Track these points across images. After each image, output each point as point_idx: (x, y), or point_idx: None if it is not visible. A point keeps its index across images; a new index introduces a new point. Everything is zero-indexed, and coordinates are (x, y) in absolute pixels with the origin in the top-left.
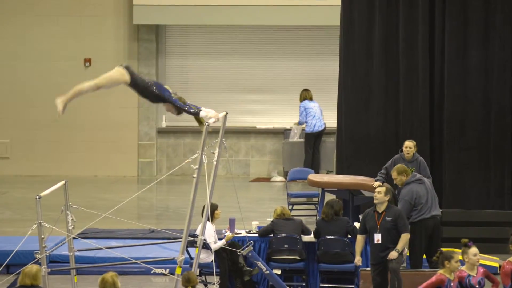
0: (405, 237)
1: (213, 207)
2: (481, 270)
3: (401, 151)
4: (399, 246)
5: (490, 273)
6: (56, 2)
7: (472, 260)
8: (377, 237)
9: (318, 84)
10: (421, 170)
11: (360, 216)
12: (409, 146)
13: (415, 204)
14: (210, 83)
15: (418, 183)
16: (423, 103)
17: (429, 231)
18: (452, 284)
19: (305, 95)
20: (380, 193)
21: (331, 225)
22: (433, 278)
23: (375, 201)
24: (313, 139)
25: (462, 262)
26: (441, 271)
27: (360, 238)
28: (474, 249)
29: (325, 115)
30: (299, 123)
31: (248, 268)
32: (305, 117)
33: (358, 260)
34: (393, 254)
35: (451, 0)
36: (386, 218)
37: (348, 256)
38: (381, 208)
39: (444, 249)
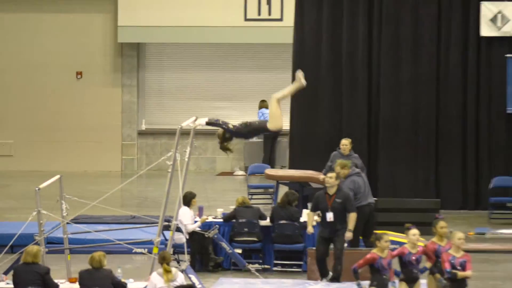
0: (353, 216)
1: (192, 196)
2: (421, 249)
3: (339, 148)
4: (350, 225)
5: (426, 251)
6: (55, 22)
7: (412, 239)
8: (329, 216)
9: (273, 92)
10: (353, 163)
11: (309, 204)
12: (345, 143)
13: (356, 193)
14: (183, 92)
15: (358, 175)
16: (362, 109)
17: (366, 216)
18: (383, 261)
19: (262, 105)
20: (331, 178)
21: (285, 211)
22: (367, 256)
23: (327, 185)
24: (270, 139)
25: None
26: (374, 250)
27: (310, 214)
28: (414, 231)
29: None
30: None
31: (214, 256)
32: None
33: (310, 229)
34: (348, 236)
35: (387, 21)
36: (336, 199)
37: (298, 238)
38: (331, 191)
39: (378, 232)
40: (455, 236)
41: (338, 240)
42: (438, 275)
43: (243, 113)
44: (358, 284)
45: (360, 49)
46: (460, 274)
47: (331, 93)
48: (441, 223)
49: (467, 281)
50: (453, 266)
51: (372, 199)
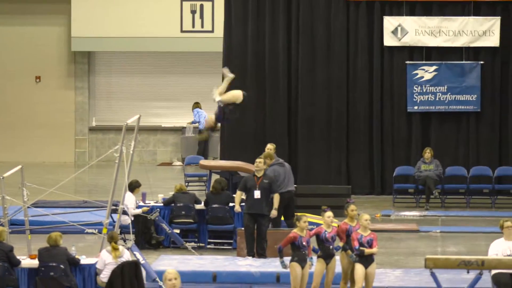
0: (277, 196)
1: (137, 185)
2: (334, 229)
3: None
4: (275, 204)
5: (339, 231)
6: (18, 35)
7: (327, 220)
8: (257, 194)
9: (206, 95)
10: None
11: (238, 191)
12: (270, 148)
13: (276, 181)
14: (128, 94)
15: (279, 165)
16: (283, 108)
17: (285, 201)
18: (302, 239)
19: (196, 106)
20: (260, 163)
21: (217, 197)
22: (289, 235)
23: (255, 169)
24: None
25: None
26: (295, 230)
27: (239, 193)
28: (329, 213)
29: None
30: (193, 123)
31: (156, 236)
32: (198, 118)
33: (237, 208)
34: (273, 213)
35: (303, 32)
36: (264, 180)
37: (228, 219)
38: (259, 174)
39: (299, 214)
40: (362, 217)
41: (263, 221)
42: (349, 252)
43: (179, 111)
44: (282, 262)
45: (281, 57)
46: (367, 251)
47: (256, 94)
48: (352, 207)
49: (373, 257)
50: (361, 244)
51: (292, 187)
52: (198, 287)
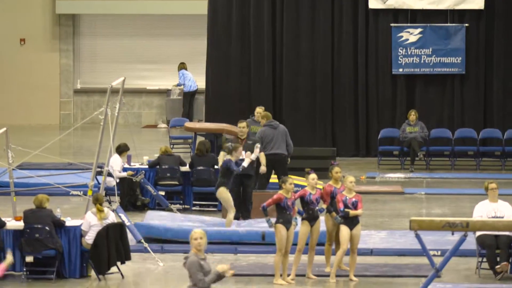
0: (262, 155)
1: (126, 148)
2: (319, 191)
3: (253, 115)
4: (262, 162)
5: (323, 193)
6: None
7: (311, 183)
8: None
9: (192, 57)
10: None
11: (221, 151)
12: (259, 111)
13: (262, 142)
14: (112, 57)
15: (270, 127)
16: (268, 75)
17: (272, 163)
18: (288, 201)
19: (182, 66)
20: (244, 128)
21: (202, 159)
22: (275, 196)
23: (239, 134)
24: (188, 97)
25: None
26: (280, 191)
27: (222, 154)
28: (313, 175)
29: (196, 79)
30: (178, 85)
31: (141, 197)
32: (183, 80)
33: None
34: (262, 169)
35: (287, 1)
36: (248, 141)
37: (213, 182)
38: (243, 137)
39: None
40: (347, 179)
41: (248, 182)
42: (334, 214)
43: (163, 74)
44: (268, 220)
45: (265, 20)
46: (352, 212)
47: (241, 58)
48: (336, 169)
49: (359, 219)
50: (346, 206)
51: (280, 150)
52: (183, 246)
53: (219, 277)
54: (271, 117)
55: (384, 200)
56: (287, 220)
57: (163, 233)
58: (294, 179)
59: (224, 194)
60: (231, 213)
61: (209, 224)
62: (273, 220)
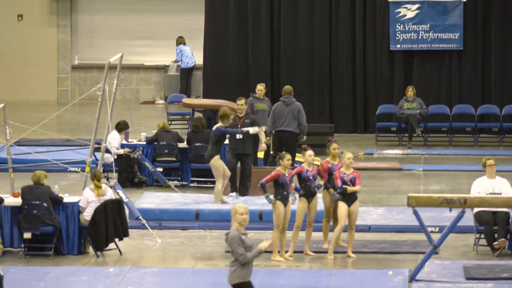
0: (262, 133)
1: (126, 126)
2: (315, 167)
3: (254, 93)
4: (262, 140)
5: (320, 170)
6: None
7: (308, 159)
8: (239, 134)
9: (189, 32)
10: (268, 106)
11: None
12: (260, 89)
13: (273, 116)
14: (110, 32)
15: (283, 103)
16: (265, 52)
17: (281, 139)
18: (285, 177)
19: (180, 41)
20: (242, 105)
21: (199, 134)
22: (272, 173)
23: (238, 112)
24: (186, 73)
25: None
26: (278, 167)
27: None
28: (309, 152)
29: (194, 55)
30: (176, 61)
31: (139, 175)
32: (181, 57)
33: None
34: (263, 147)
35: None
36: (245, 120)
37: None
38: (241, 114)
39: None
40: (345, 156)
41: (247, 159)
42: (331, 190)
43: (161, 50)
44: (267, 197)
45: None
46: (350, 189)
47: (239, 33)
48: (334, 145)
49: (357, 195)
50: (344, 182)
51: (290, 128)
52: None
53: (261, 254)
54: (291, 91)
55: (382, 176)
56: (285, 197)
57: (159, 216)
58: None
59: (216, 162)
60: (219, 183)
61: (206, 202)
62: (272, 196)
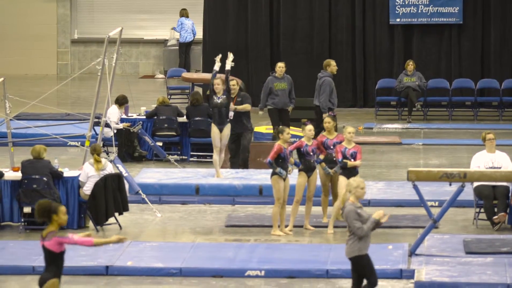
0: (247, 105)
1: (125, 101)
2: (315, 142)
3: (273, 71)
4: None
5: (319, 144)
6: None
7: (308, 134)
8: (231, 114)
9: (189, 6)
10: (288, 84)
11: None
12: (281, 65)
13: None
14: (110, 6)
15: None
16: (265, 21)
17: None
18: (287, 151)
19: (183, 13)
20: (235, 85)
21: (197, 108)
22: (274, 148)
23: (232, 91)
24: (184, 47)
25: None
26: (278, 141)
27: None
28: (309, 126)
29: (195, 29)
30: (174, 29)
31: (139, 149)
32: (180, 29)
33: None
34: (232, 107)
35: None
36: (237, 99)
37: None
38: (234, 94)
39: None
40: (346, 130)
41: (244, 133)
42: (323, 164)
43: (161, 24)
44: (280, 171)
45: None
46: (350, 163)
47: (238, 6)
48: (327, 119)
49: (357, 169)
50: (345, 156)
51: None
52: (181, 197)
53: (377, 224)
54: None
55: (382, 150)
56: (286, 170)
57: (159, 190)
58: (290, 130)
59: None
60: (214, 154)
61: (205, 177)
62: (289, 168)
